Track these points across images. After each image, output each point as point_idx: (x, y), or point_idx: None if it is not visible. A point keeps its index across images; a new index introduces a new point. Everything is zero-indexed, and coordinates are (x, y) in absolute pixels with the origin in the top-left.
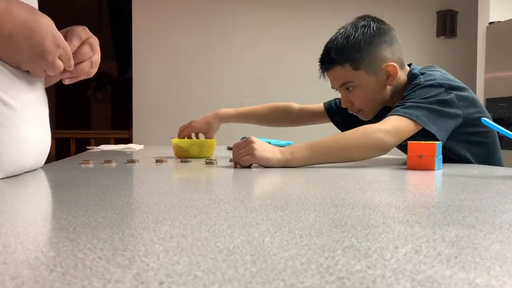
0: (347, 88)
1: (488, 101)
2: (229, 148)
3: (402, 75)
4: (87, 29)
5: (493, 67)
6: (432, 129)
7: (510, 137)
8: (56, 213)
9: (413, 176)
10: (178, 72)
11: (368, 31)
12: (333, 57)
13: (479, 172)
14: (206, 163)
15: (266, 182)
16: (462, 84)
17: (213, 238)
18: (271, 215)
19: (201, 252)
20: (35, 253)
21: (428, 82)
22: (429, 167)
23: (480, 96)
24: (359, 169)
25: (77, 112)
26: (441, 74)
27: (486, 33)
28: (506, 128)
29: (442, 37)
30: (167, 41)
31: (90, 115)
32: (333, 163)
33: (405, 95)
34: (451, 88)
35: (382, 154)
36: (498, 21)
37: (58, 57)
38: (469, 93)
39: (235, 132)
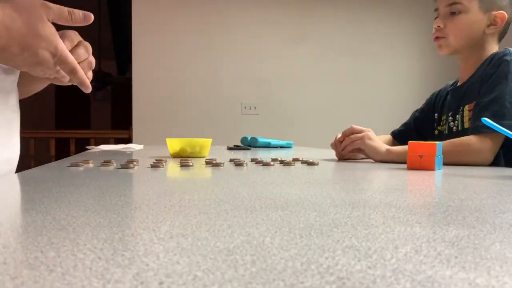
0: (452, 13)
1: None
2: (229, 148)
3: (494, 45)
4: (77, 33)
5: None
6: None
7: (510, 136)
8: (56, 213)
9: (413, 176)
10: (178, 72)
11: None
12: None
13: (479, 172)
14: (206, 163)
15: (266, 182)
16: None
17: (213, 238)
18: (271, 215)
19: (201, 252)
20: (34, 253)
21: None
22: (429, 167)
23: None
24: (359, 169)
25: (77, 112)
26: None
27: None
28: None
29: None
30: (167, 41)
31: (90, 115)
32: None
33: (491, 72)
34: None
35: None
36: None
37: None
38: None
39: (235, 132)
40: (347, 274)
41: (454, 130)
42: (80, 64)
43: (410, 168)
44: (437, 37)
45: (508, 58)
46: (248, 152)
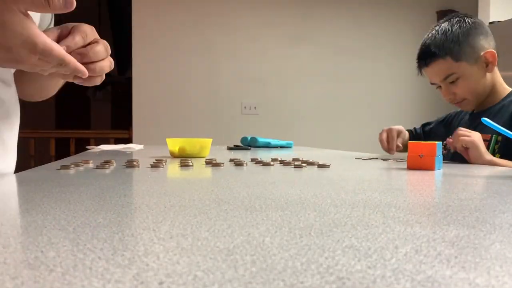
0: (451, 82)
1: None
2: (229, 148)
3: (498, 73)
4: (94, 29)
5: None
6: None
7: (510, 136)
8: (56, 213)
9: (413, 176)
10: (178, 72)
11: (464, 25)
12: (433, 51)
13: (479, 172)
14: (206, 163)
15: (266, 182)
16: None
17: (213, 238)
18: (271, 215)
19: (201, 252)
20: (34, 253)
21: None
22: (429, 167)
23: None
24: (359, 169)
25: (77, 112)
26: None
27: None
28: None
29: None
30: (167, 41)
31: (90, 115)
32: None
33: None
34: None
35: None
36: (498, 21)
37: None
38: None
39: (235, 132)
40: (347, 274)
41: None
42: (98, 63)
43: (410, 168)
44: (457, 103)
45: None
46: (248, 152)
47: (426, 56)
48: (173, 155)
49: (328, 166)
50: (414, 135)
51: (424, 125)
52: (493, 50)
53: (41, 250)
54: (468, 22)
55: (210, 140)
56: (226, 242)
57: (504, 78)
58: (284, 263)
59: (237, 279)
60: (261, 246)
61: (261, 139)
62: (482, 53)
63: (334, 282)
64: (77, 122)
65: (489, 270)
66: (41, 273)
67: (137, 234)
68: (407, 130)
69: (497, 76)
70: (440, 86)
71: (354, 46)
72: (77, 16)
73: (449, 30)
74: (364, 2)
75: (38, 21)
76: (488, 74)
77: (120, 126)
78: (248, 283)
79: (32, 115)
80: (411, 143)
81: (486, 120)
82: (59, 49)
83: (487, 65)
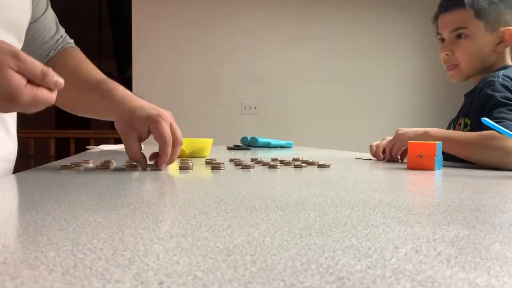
0: (458, 36)
1: None
2: (229, 148)
3: (508, 60)
4: (171, 115)
5: None
6: None
7: (510, 136)
8: (56, 213)
9: (413, 176)
10: (178, 72)
11: None
12: None
13: (479, 172)
14: (206, 163)
15: (266, 182)
16: None
17: (213, 238)
18: (271, 215)
19: (201, 252)
20: (34, 253)
21: None
22: (429, 167)
23: None
24: (359, 169)
25: None
26: None
27: None
28: None
29: None
30: (167, 41)
31: None
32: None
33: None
34: None
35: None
36: None
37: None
38: None
39: (235, 132)
40: (347, 274)
41: None
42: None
43: (410, 168)
44: (449, 67)
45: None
46: (248, 152)
47: (451, 0)
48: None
49: (328, 166)
50: None
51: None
52: None
53: (41, 250)
54: None
55: (211, 140)
56: (226, 242)
57: None
58: (284, 263)
59: (237, 279)
60: (261, 246)
61: (261, 139)
62: (502, 28)
63: (334, 282)
64: (77, 122)
65: (489, 270)
66: (41, 273)
67: (137, 234)
68: None
69: (501, 60)
70: (443, 41)
71: (354, 46)
72: (77, 16)
73: None
74: (364, 2)
75: (30, 14)
76: (494, 53)
77: None
78: (248, 283)
79: (32, 115)
80: (411, 143)
81: (486, 120)
82: (45, 98)
83: (500, 43)
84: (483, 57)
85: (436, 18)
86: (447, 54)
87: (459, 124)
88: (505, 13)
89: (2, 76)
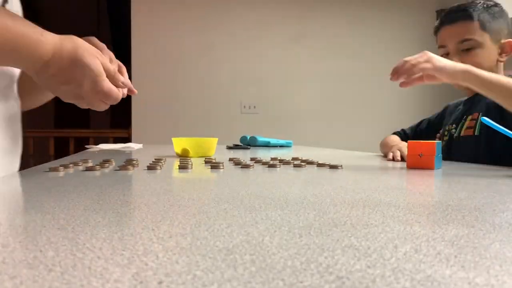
0: (466, 48)
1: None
2: (229, 147)
3: (502, 71)
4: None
5: None
6: None
7: (510, 136)
8: (55, 212)
9: (412, 175)
10: (178, 72)
11: (500, 7)
12: (466, 9)
13: (478, 172)
14: (205, 163)
15: (265, 181)
16: None
17: (212, 237)
18: (270, 214)
19: (200, 251)
20: (34, 253)
21: None
22: (428, 166)
23: None
24: (359, 169)
25: (76, 111)
26: None
27: None
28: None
29: None
30: (166, 41)
31: (89, 114)
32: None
33: None
34: None
35: None
36: None
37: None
38: None
39: (235, 131)
40: (347, 273)
41: (455, 138)
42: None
43: (410, 167)
44: None
45: None
46: (247, 151)
47: (457, 13)
48: (179, 155)
49: (328, 166)
50: (403, 136)
51: (417, 125)
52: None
53: (40, 250)
54: (503, 8)
55: (216, 139)
56: (225, 241)
57: None
58: (284, 263)
59: (236, 278)
60: (260, 246)
61: (261, 138)
62: (503, 40)
63: (334, 281)
64: (76, 121)
65: (488, 270)
66: (40, 273)
67: (136, 233)
68: (395, 133)
69: (500, 71)
70: (447, 54)
71: (354, 45)
72: (77, 16)
73: (489, 3)
74: (364, 2)
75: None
76: (498, 62)
77: (119, 125)
78: (247, 282)
79: (31, 114)
80: (411, 142)
81: (486, 119)
82: (117, 93)
83: (501, 53)
84: (492, 66)
85: (437, 30)
86: None
87: (473, 120)
88: (504, 26)
89: (96, 61)
